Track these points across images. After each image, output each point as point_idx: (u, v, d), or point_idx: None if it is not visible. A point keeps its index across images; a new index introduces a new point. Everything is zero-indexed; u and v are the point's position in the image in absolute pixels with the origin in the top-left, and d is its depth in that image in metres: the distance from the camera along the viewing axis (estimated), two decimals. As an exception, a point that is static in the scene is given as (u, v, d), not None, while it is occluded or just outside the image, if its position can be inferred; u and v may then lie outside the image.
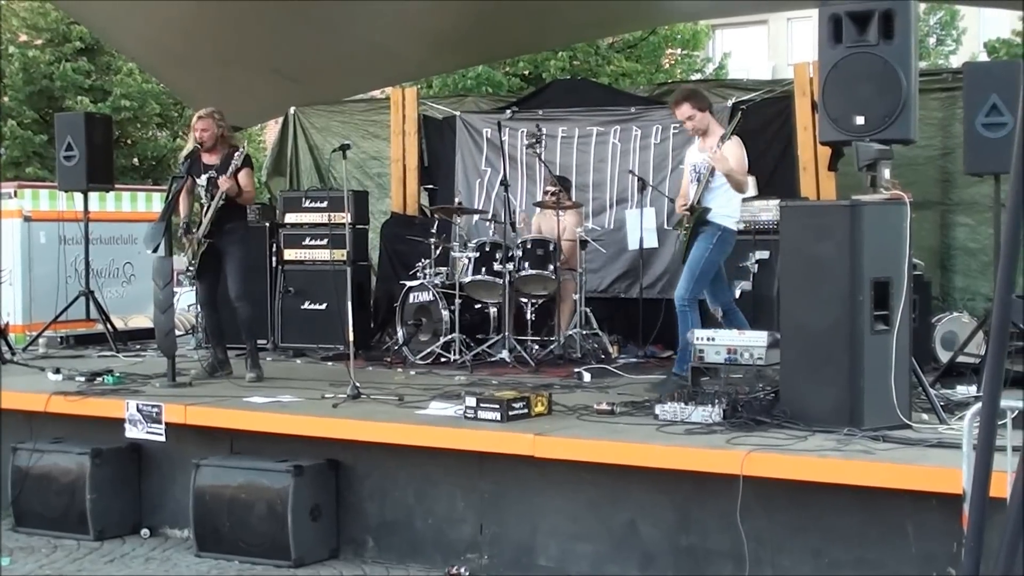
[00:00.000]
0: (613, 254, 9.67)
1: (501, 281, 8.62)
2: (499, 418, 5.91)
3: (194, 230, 7.79)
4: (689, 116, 7.28)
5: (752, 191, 9.05)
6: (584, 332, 8.85)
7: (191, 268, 7.88)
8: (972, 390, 6.58)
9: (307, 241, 9.66)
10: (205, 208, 7.82)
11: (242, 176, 7.74)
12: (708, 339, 6.37)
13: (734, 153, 7.17)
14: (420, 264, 9.26)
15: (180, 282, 11.10)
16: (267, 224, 9.81)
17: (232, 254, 7.84)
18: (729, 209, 7.26)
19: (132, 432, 6.70)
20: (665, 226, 9.58)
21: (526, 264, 8.68)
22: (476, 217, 9.97)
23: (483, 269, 8.76)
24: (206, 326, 8.33)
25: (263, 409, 6.59)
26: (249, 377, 7.71)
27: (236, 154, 7.72)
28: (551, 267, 8.71)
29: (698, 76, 22.66)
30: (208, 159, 7.85)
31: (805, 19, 27.61)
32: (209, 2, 9.05)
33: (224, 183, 7.64)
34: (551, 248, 8.75)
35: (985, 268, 8.93)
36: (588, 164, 10.07)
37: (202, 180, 7.82)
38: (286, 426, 6.37)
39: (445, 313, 8.78)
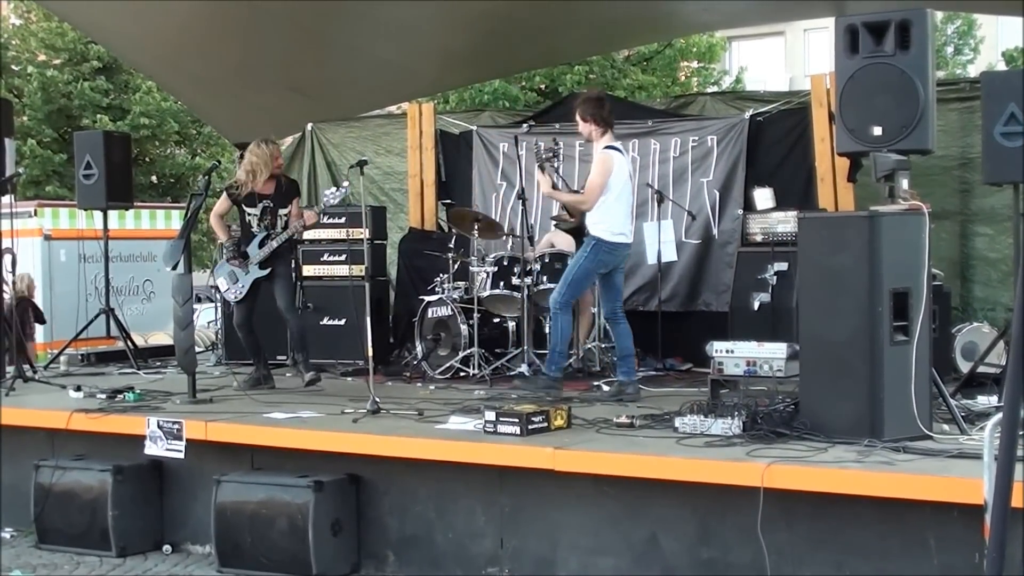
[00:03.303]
0: (631, 267, 9.65)
1: (519, 295, 8.62)
2: (518, 432, 5.92)
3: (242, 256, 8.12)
4: (577, 121, 7.60)
5: (769, 203, 9.07)
6: (603, 345, 8.84)
7: (239, 292, 8.12)
8: (993, 400, 6.57)
9: (325, 257, 9.70)
10: (265, 236, 8.07)
11: (294, 205, 8.25)
12: (727, 351, 6.36)
13: (593, 168, 7.43)
14: (438, 279, 9.27)
15: (199, 299, 11.15)
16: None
17: (281, 274, 8.13)
18: (605, 222, 7.41)
19: (151, 449, 6.72)
20: (683, 238, 9.59)
21: (544, 278, 8.66)
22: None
23: (501, 283, 8.76)
24: (247, 346, 8.35)
25: (283, 425, 6.62)
26: (309, 377, 7.98)
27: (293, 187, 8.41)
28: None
29: (715, 88, 22.67)
30: (264, 189, 8.12)
31: (822, 30, 27.57)
32: (226, 21, 9.11)
33: (311, 218, 8.24)
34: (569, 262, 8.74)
35: (1005, 278, 8.89)
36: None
37: (256, 210, 8.10)
38: (306, 441, 6.38)
39: (464, 327, 8.79)
